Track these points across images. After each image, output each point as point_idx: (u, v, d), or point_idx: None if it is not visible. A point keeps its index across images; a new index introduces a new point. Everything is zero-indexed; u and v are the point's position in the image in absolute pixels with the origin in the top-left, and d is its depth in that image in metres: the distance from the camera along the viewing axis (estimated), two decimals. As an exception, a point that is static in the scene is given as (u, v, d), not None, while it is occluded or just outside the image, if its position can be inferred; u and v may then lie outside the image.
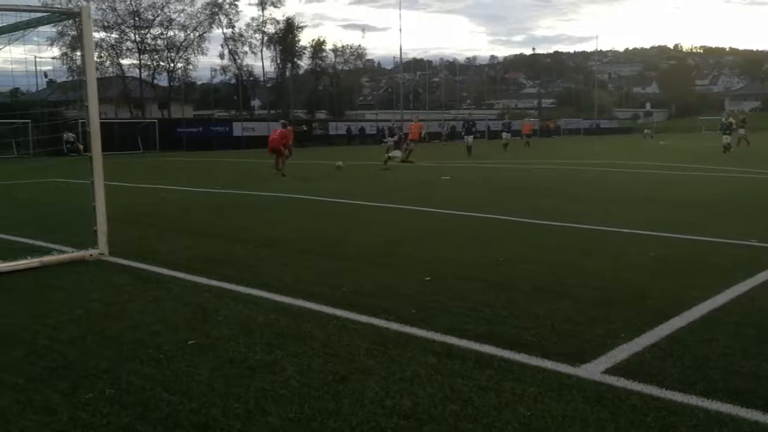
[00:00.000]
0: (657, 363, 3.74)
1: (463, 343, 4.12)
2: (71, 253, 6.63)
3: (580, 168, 20.68)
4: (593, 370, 3.63)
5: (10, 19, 6.05)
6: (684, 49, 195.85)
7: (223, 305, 5.01)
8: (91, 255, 6.60)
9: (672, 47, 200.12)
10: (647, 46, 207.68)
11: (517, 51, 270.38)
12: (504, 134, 35.07)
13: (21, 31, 6.22)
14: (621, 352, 3.91)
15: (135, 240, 7.85)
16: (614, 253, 6.96)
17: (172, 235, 8.43)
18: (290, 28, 62.48)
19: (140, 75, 56.05)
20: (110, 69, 53.42)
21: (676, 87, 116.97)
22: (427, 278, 5.79)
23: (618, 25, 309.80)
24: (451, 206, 10.85)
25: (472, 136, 29.63)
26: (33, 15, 6.25)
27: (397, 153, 22.20)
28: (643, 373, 3.59)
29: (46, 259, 6.35)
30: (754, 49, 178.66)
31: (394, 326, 4.46)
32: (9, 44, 6.25)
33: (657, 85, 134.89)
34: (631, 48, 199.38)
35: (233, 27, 59.78)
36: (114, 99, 51.35)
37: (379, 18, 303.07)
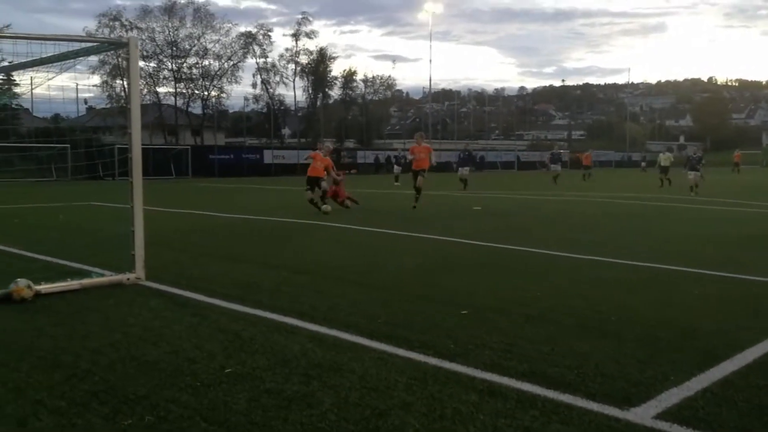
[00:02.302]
0: (711, 409, 3.59)
1: (505, 380, 4.01)
2: (109, 277, 6.68)
3: (613, 201, 20.39)
4: (643, 415, 3.49)
5: (61, 48, 6.19)
6: (719, 82, 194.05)
7: (259, 333, 4.97)
8: (128, 279, 6.64)
9: (706, 80, 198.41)
10: (680, 78, 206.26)
11: (546, 82, 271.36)
12: (552, 166, 33.79)
13: (71, 60, 6.37)
14: (671, 396, 3.76)
15: (170, 264, 7.88)
16: (656, 289, 6.79)
17: (206, 260, 8.47)
18: (323, 58, 63.48)
19: (175, 102, 57.34)
20: (147, 96, 54.74)
21: (712, 120, 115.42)
22: (464, 311, 5.69)
23: (650, 58, 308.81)
24: (485, 237, 10.74)
25: (467, 168, 27.56)
26: (83, 45, 6.39)
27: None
28: (697, 419, 3.44)
29: (86, 281, 6.41)
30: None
31: (433, 361, 4.37)
32: (61, 73, 6.40)
33: (691, 118, 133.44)
34: (663, 80, 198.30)
35: (266, 57, 60.92)
36: (150, 125, 52.45)
37: (410, 49, 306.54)
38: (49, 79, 6.84)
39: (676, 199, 21.16)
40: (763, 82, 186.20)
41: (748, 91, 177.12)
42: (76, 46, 6.33)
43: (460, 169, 27.52)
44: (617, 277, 7.51)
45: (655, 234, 11.76)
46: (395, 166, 30.82)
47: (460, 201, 20.39)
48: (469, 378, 4.06)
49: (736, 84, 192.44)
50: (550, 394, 3.79)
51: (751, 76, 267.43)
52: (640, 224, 13.56)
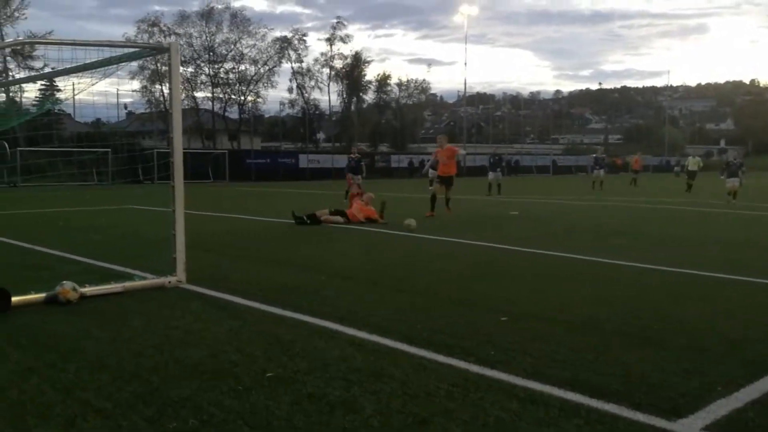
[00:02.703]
0: (762, 421, 3.49)
1: (547, 389, 3.95)
2: (151, 280, 6.79)
3: (654, 207, 20.03)
4: (692, 426, 3.41)
5: (104, 54, 6.31)
6: (761, 85, 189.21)
7: (299, 337, 5.00)
8: (169, 282, 6.73)
9: (748, 82, 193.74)
10: (721, 81, 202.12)
11: (582, 86, 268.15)
12: (596, 171, 32.43)
13: (114, 66, 6.50)
14: (720, 408, 3.66)
15: (210, 268, 7.98)
16: (701, 297, 6.63)
17: (245, 264, 8.55)
18: (357, 62, 63.61)
19: (213, 107, 58.07)
20: (185, 101, 55.58)
21: (754, 123, 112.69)
22: (504, 318, 5.64)
23: (690, 60, 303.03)
24: (522, 243, 10.64)
25: (498, 173, 26.70)
26: (125, 50, 6.52)
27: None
28: (748, 431, 3.35)
29: (129, 284, 6.52)
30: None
31: (474, 368, 4.33)
32: (103, 78, 6.53)
33: (732, 122, 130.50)
34: (703, 83, 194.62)
35: (302, 62, 61.34)
36: (188, 130, 53.26)
37: (445, 52, 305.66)
38: (92, 84, 6.97)
39: (714, 204, 20.69)
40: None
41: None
42: (119, 51, 6.44)
43: (490, 173, 27.24)
44: (658, 284, 7.37)
45: (696, 239, 11.51)
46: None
47: (496, 206, 20.25)
48: (510, 385, 4.01)
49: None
50: (594, 403, 3.72)
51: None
52: (681, 229, 13.29)
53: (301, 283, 7.09)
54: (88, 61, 6.44)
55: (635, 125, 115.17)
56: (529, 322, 5.55)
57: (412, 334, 5.10)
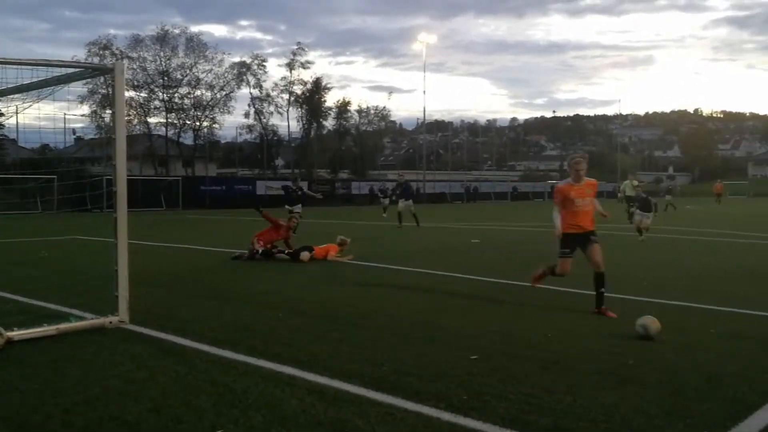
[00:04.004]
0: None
1: (527, 439, 3.60)
2: (90, 320, 6.22)
3: (609, 233, 20.03)
4: (690, 483, 3.10)
5: (41, 73, 5.82)
6: (704, 114, 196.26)
7: (252, 385, 4.54)
8: (110, 322, 6.19)
9: (692, 111, 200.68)
10: (667, 110, 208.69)
11: (538, 113, 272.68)
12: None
13: (59, 87, 6.00)
14: (714, 458, 3.37)
15: (157, 305, 7.44)
16: (673, 329, 6.37)
17: (196, 300, 8.02)
18: (317, 88, 63.44)
19: (166, 133, 56.97)
20: (138, 127, 54.37)
21: (698, 151, 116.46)
22: (474, 357, 5.28)
23: (638, 90, 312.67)
24: (487, 272, 10.35)
25: (409, 201, 22.70)
26: (68, 70, 6.03)
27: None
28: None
29: (63, 326, 5.93)
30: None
31: (446, 416, 3.95)
32: (39, 101, 6.02)
33: (679, 149, 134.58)
34: (651, 112, 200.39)
35: (260, 87, 60.82)
36: (140, 156, 52.04)
37: (404, 80, 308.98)
38: (25, 108, 6.46)
39: (672, 230, 20.88)
40: (747, 114, 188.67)
41: (733, 123, 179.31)
42: (57, 72, 5.95)
43: (400, 201, 22.91)
44: (626, 315, 7.11)
45: (655, 267, 11.41)
46: (383, 199, 29.50)
47: (457, 234, 20.04)
48: (487, 437, 3.65)
49: (721, 115, 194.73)
50: (580, 456, 3.38)
51: (735, 108, 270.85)
52: (642, 257, 13.22)
53: (255, 322, 6.62)
54: (27, 82, 5.94)
55: (588, 152, 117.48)
56: (500, 360, 5.21)
57: (377, 377, 4.70)
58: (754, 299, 7.96)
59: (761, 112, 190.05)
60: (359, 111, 70.33)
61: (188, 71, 56.21)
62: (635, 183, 25.53)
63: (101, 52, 51.08)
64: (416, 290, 8.91)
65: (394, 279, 10.01)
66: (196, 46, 55.81)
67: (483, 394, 4.34)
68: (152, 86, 55.09)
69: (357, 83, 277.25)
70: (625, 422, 3.86)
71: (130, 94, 51.76)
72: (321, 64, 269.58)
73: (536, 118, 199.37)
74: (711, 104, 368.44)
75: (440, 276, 10.26)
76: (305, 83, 62.61)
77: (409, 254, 13.48)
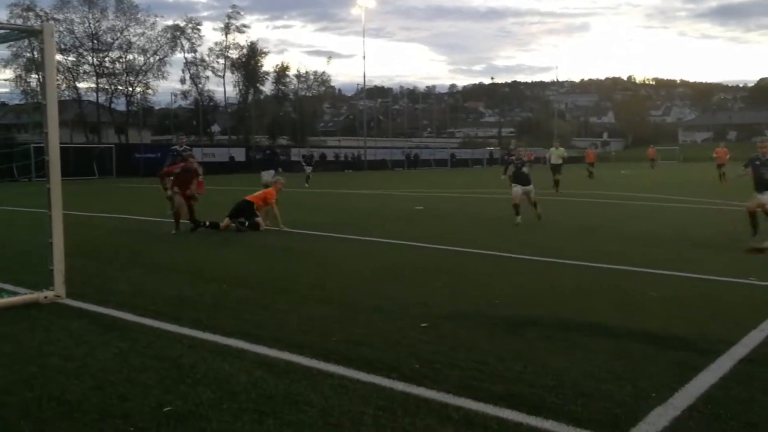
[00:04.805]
0: (702, 430, 3.31)
1: (481, 407, 3.62)
2: (23, 296, 5.94)
3: (546, 198, 20.45)
4: (639, 443, 3.18)
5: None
6: (637, 81, 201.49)
7: (200, 360, 4.41)
8: (46, 297, 5.91)
9: (626, 78, 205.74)
10: (602, 77, 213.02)
11: (476, 80, 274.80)
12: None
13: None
14: (660, 418, 3.46)
15: (95, 278, 7.17)
16: (612, 292, 6.58)
17: (136, 271, 7.75)
18: (254, 53, 62.16)
19: (97, 99, 54.83)
20: (66, 92, 52.06)
21: (631, 117, 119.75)
22: (424, 324, 5.29)
23: (575, 56, 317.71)
24: (432, 240, 10.39)
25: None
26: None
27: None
28: (696, 446, 3.15)
29: (-6, 302, 5.65)
30: (704, 82, 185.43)
31: (399, 386, 3.94)
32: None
33: (613, 116, 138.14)
34: (587, 79, 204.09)
35: (195, 51, 59.15)
36: (69, 123, 49.92)
37: (344, 45, 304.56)
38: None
39: (601, 194, 21.47)
40: (678, 81, 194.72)
41: (663, 90, 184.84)
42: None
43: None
44: (569, 280, 7.27)
45: (589, 233, 11.70)
46: (306, 167, 29.32)
47: (402, 200, 20.08)
48: (441, 405, 3.65)
49: (653, 83, 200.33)
50: (534, 421, 3.43)
51: (666, 75, 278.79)
52: (576, 221, 13.54)
53: (199, 294, 6.45)
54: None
55: (526, 119, 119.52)
56: (450, 327, 5.23)
57: (328, 348, 4.64)
58: (691, 262, 8.24)
59: (691, 79, 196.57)
60: (298, 76, 69.42)
61: (119, 34, 54.22)
62: (562, 151, 24.72)
63: (24, 13, 48.55)
64: (362, 259, 8.87)
65: (338, 248, 9.94)
66: (127, 8, 53.79)
67: (434, 363, 4.34)
68: (80, 50, 52.88)
69: (295, 48, 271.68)
70: (575, 387, 3.91)
71: (57, 58, 49.26)
72: (258, 28, 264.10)
73: (475, 84, 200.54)
74: (644, 71, 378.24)
75: (385, 243, 10.25)
76: (241, 48, 61.22)
77: (353, 222, 13.42)
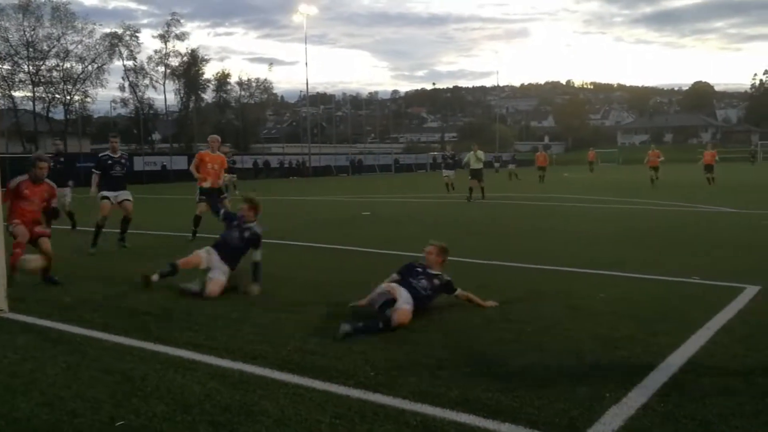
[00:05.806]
0: (657, 429, 3.42)
1: (438, 412, 3.65)
2: (-40, 312, 5.69)
3: (492, 202, 20.78)
4: (594, 443, 3.26)
5: None
6: (576, 85, 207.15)
7: (151, 372, 4.32)
8: (-15, 313, 5.68)
9: (565, 83, 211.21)
10: (542, 81, 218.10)
11: (418, 86, 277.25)
12: (445, 171, 26.96)
13: None
14: (615, 418, 3.55)
15: (38, 290, 6.93)
16: (560, 294, 6.71)
17: (79, 283, 7.48)
18: (194, 60, 61.27)
19: (34, 108, 53.04)
20: (1, 101, 50.22)
21: (571, 121, 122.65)
22: (378, 330, 5.30)
23: (514, 61, 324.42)
24: (380, 245, 10.42)
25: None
26: None
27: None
28: (649, 442, 3.25)
29: (-71, 321, 5.39)
30: (641, 86, 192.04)
31: (355, 393, 3.94)
32: None
33: (553, 119, 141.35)
34: (527, 83, 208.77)
35: (134, 59, 57.87)
36: (5, 132, 48.07)
37: (286, 52, 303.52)
38: None
39: (538, 197, 21.93)
40: (615, 85, 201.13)
41: (602, 93, 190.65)
42: None
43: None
44: (518, 281, 7.41)
45: (538, 235, 11.95)
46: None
47: (346, 206, 20.06)
48: (398, 411, 3.68)
49: (591, 87, 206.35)
50: (492, 425, 3.49)
51: (604, 79, 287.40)
52: (523, 223, 13.81)
53: (148, 304, 6.29)
54: None
55: (468, 123, 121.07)
56: (403, 333, 5.25)
57: (281, 357, 4.61)
58: (635, 262, 8.46)
59: (628, 83, 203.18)
60: (240, 83, 68.69)
61: (56, 42, 52.52)
62: (481, 154, 22.24)
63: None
64: (312, 266, 8.83)
65: (287, 255, 9.85)
66: (64, 15, 52.12)
67: (390, 369, 4.36)
68: (16, 58, 50.98)
69: (237, 55, 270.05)
70: (532, 389, 3.96)
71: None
72: (199, 36, 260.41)
73: (417, 90, 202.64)
74: (582, 75, 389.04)
75: (335, 250, 10.23)
76: (182, 55, 60.20)
77: (301, 228, 13.34)
